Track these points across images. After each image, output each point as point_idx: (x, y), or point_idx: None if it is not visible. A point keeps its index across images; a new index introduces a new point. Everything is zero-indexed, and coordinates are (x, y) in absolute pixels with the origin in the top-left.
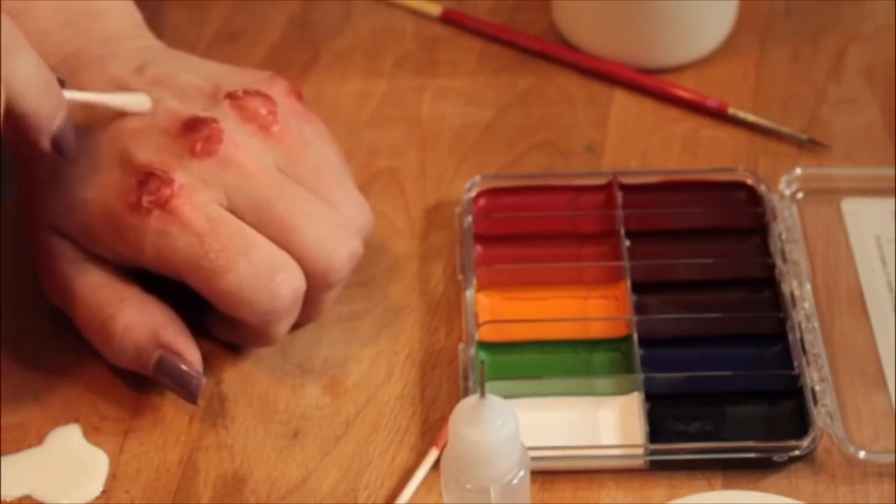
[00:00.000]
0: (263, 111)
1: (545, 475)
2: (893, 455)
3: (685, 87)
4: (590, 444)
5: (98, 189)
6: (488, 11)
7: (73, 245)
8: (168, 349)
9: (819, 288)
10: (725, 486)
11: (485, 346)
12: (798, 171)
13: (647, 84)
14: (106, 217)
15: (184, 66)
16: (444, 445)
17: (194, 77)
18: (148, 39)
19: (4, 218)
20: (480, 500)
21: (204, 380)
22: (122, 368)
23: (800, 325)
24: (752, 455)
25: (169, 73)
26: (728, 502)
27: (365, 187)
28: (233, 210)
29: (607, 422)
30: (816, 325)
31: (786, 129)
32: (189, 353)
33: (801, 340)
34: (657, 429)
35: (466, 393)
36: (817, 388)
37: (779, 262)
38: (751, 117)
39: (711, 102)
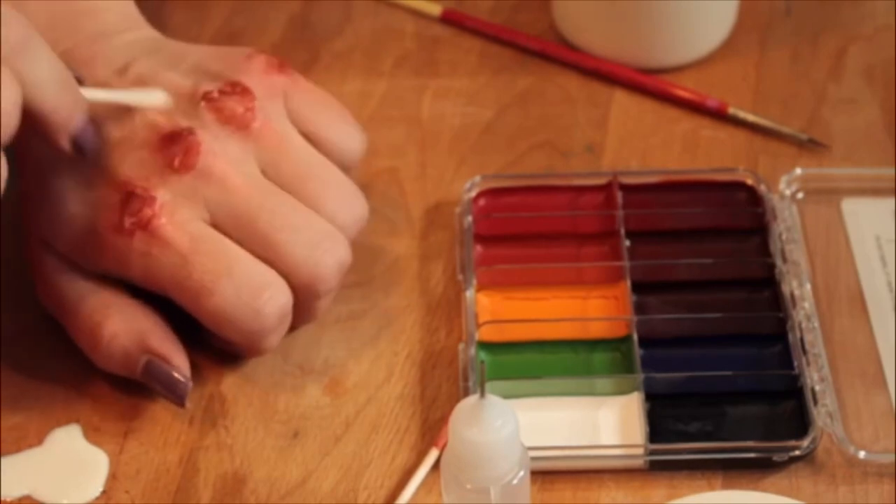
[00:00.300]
0: (241, 109)
1: (545, 475)
2: (893, 455)
3: (685, 87)
4: (590, 444)
5: (82, 205)
6: (488, 11)
7: (61, 256)
8: (155, 354)
9: (819, 288)
10: (725, 486)
11: (485, 346)
12: (798, 171)
13: (647, 84)
14: (91, 235)
15: (167, 61)
16: (444, 445)
17: (175, 74)
18: (139, 31)
19: (4, 218)
20: (480, 500)
21: (191, 384)
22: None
23: (800, 325)
24: (752, 455)
25: (151, 72)
26: (728, 502)
27: (365, 187)
28: (216, 225)
29: (607, 422)
30: (816, 325)
31: (786, 129)
32: (175, 358)
33: (801, 340)
34: (657, 429)
35: (466, 393)
36: (817, 388)
37: (779, 262)
38: (751, 117)
39: (711, 102)
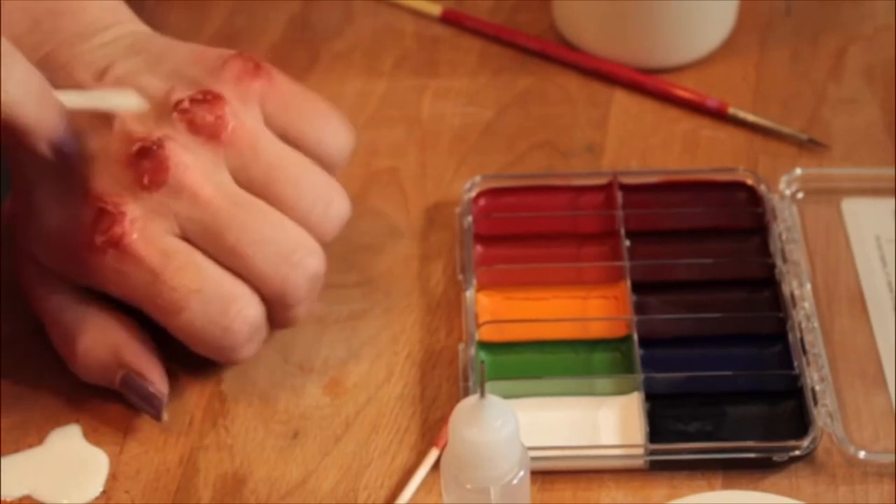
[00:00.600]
0: (211, 118)
1: (545, 475)
2: (893, 455)
3: (685, 87)
4: (590, 444)
5: (60, 220)
6: (488, 11)
7: (45, 267)
8: (130, 369)
9: (819, 288)
10: (725, 486)
11: (485, 346)
12: (798, 171)
13: (647, 84)
14: (69, 250)
15: (146, 64)
16: (444, 445)
17: (153, 78)
18: (122, 26)
19: (4, 218)
20: (480, 500)
21: (166, 398)
22: None
23: (800, 325)
24: (752, 455)
25: (129, 75)
26: (728, 502)
27: (365, 187)
28: (187, 238)
29: (607, 422)
30: (816, 325)
31: (786, 129)
32: (151, 373)
33: (801, 340)
34: (657, 429)
35: (466, 393)
36: (817, 388)
37: (779, 262)
38: (751, 117)
39: (711, 102)
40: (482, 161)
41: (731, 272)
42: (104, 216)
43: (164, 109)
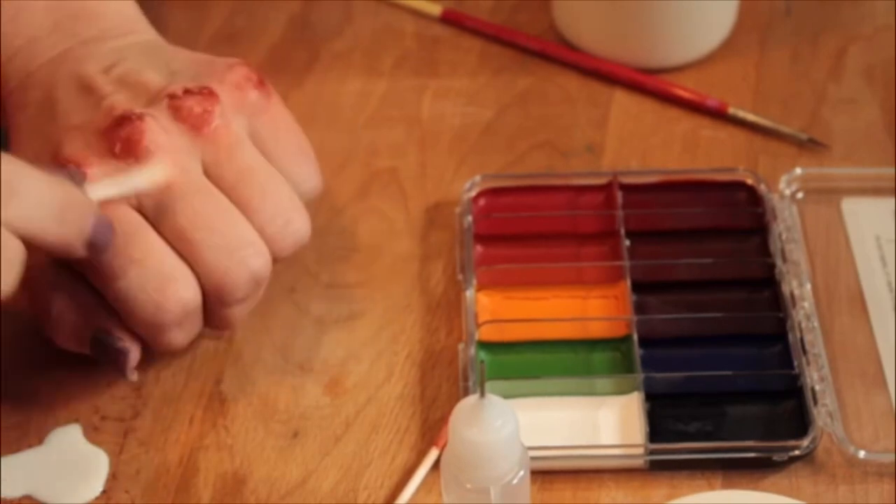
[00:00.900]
0: (199, 110)
1: (545, 475)
2: (893, 455)
3: (685, 87)
4: (590, 444)
5: None
6: (488, 11)
7: None
8: (98, 326)
9: (819, 288)
10: (725, 486)
11: (485, 345)
12: (798, 170)
13: (647, 84)
14: None
15: (153, 63)
16: (444, 445)
17: (155, 74)
18: (137, 35)
19: None
20: (480, 500)
21: (134, 356)
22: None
23: (800, 325)
24: (752, 455)
25: (133, 72)
26: (728, 502)
27: (365, 187)
28: (140, 210)
29: (607, 422)
30: (816, 324)
31: (786, 129)
32: (119, 330)
33: (801, 340)
34: (657, 429)
35: (466, 393)
36: (817, 387)
37: (779, 262)
38: (751, 117)
39: (711, 102)
40: (482, 161)
41: (731, 272)
42: (61, 172)
43: (155, 98)
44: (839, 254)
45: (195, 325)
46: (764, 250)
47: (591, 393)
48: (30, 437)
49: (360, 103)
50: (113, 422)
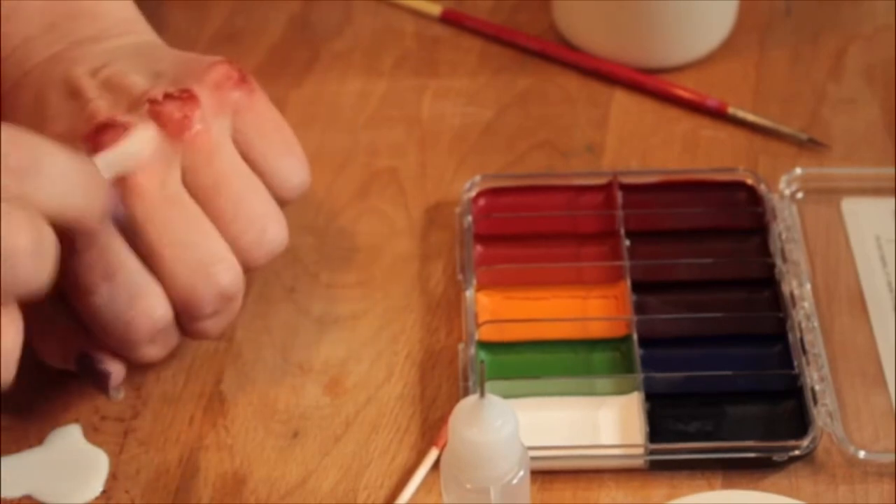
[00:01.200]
0: (178, 115)
1: (545, 475)
2: (893, 455)
3: (685, 87)
4: (590, 443)
5: None
6: (488, 11)
7: None
8: (81, 348)
9: (819, 288)
10: (725, 486)
11: (485, 345)
12: (798, 170)
13: (647, 84)
14: None
15: (140, 65)
16: (444, 445)
17: (139, 77)
18: (133, 36)
19: None
20: (480, 500)
21: (116, 377)
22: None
23: (800, 324)
24: (752, 455)
25: (119, 73)
26: (728, 502)
27: (365, 187)
28: (115, 224)
29: (607, 422)
30: (816, 324)
31: (786, 129)
32: (100, 352)
33: (801, 340)
34: (657, 429)
35: (466, 393)
36: (817, 387)
37: (779, 261)
38: (751, 117)
39: (711, 102)
40: (482, 161)
41: (731, 272)
42: None
43: (136, 103)
44: (839, 254)
45: (170, 339)
46: (764, 250)
47: (591, 393)
48: (30, 437)
49: (360, 103)
50: (113, 422)
